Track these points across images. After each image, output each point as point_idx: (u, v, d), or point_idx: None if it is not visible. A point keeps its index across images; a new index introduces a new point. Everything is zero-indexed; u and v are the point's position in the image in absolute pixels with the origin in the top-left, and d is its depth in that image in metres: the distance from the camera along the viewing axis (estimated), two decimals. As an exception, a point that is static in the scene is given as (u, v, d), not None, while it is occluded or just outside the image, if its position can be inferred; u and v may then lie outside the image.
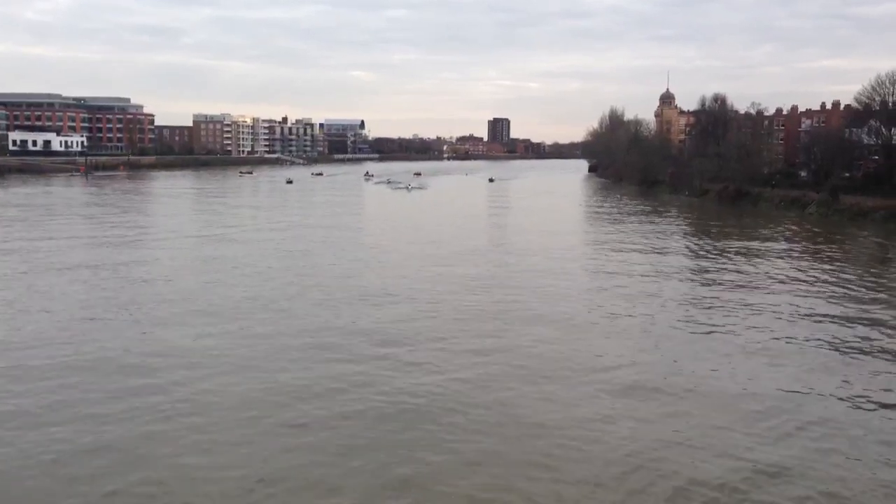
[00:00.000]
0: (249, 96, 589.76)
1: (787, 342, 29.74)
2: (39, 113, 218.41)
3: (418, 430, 20.34)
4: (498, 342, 29.13)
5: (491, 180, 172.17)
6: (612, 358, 27.35)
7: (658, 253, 55.31)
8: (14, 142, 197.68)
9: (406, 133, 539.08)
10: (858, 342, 29.96)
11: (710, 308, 36.02)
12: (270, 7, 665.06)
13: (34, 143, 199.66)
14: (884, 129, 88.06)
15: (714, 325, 32.47)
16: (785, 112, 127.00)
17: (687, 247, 60.01)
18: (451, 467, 18.32)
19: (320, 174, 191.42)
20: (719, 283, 42.81)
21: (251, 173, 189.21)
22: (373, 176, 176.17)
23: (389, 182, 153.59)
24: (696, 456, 18.93)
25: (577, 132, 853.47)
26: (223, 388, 23.41)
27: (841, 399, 23.40)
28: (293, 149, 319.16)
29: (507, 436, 20.17)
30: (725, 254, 55.25)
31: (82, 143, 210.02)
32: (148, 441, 19.44)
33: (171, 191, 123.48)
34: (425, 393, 23.17)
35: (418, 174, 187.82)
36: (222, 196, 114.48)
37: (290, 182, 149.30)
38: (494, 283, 41.68)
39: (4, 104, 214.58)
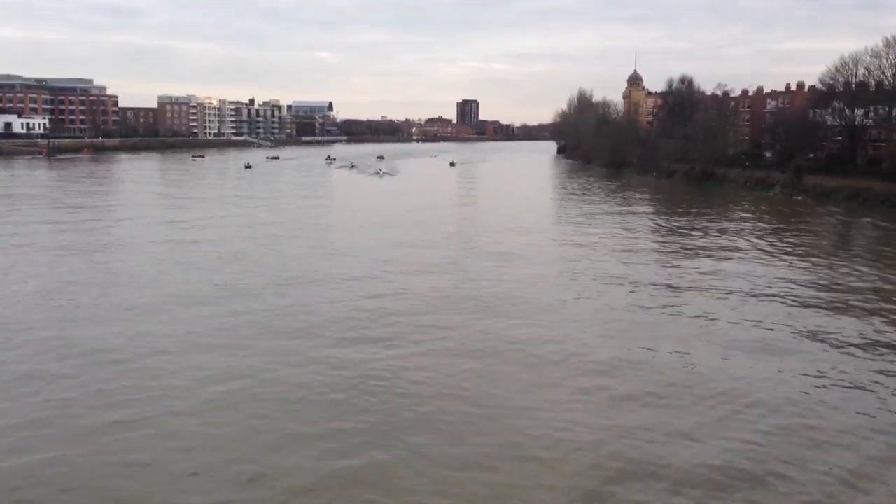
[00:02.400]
0: (215, 78, 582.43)
1: (747, 322, 30.16)
2: (0, 95, 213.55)
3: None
4: (465, 329, 29.24)
5: (452, 164, 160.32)
6: (576, 342, 27.60)
7: (624, 235, 55.70)
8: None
9: (374, 115, 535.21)
10: (821, 322, 30.50)
11: (674, 289, 36.40)
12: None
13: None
14: (847, 111, 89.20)
15: (677, 307, 32.83)
16: (751, 93, 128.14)
17: (653, 228, 60.53)
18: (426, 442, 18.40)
19: (276, 158, 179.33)
20: (683, 265, 43.28)
21: (203, 157, 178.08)
22: (335, 160, 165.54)
23: (353, 166, 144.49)
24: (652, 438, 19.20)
25: (546, 114, 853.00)
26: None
27: (800, 377, 23.85)
28: (261, 131, 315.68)
29: (474, 415, 20.31)
30: (690, 234, 55.82)
31: (44, 125, 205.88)
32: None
33: (127, 175, 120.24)
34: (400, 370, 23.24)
35: (381, 157, 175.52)
36: (169, 184, 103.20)
37: (248, 167, 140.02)
38: (461, 267, 41.78)
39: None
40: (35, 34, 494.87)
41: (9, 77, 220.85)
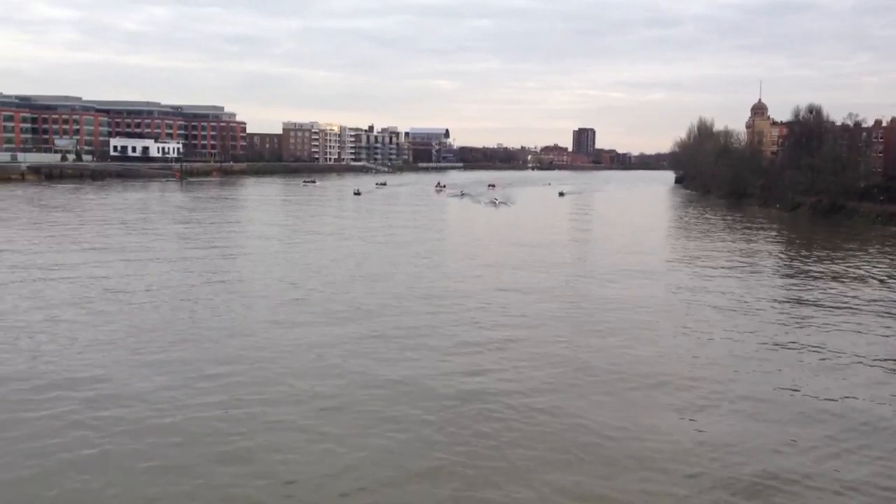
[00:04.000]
0: (336, 105, 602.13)
1: (872, 363, 28.44)
2: (139, 120, 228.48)
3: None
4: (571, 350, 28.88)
5: (561, 194, 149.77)
6: (695, 373, 26.77)
7: (744, 270, 53.69)
8: (115, 147, 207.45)
9: (490, 143, 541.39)
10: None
11: (796, 327, 34.77)
12: (356, 17, 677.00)
13: (133, 149, 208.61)
14: None
15: (797, 345, 31.33)
16: (885, 124, 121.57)
17: (775, 264, 58.06)
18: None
19: (384, 184, 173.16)
20: (806, 302, 41.27)
21: (314, 182, 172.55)
22: (445, 187, 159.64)
23: (464, 195, 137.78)
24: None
25: (663, 143, 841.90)
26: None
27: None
28: (378, 157, 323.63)
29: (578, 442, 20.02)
30: (814, 273, 53.21)
31: (178, 149, 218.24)
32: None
33: (246, 200, 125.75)
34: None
35: (492, 186, 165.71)
36: (280, 211, 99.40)
37: (357, 193, 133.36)
38: (575, 296, 41.37)
39: (107, 111, 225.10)
40: (172, 63, 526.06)
41: (147, 104, 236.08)
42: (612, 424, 21.56)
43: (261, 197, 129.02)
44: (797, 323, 35.43)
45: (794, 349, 30.42)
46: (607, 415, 22.36)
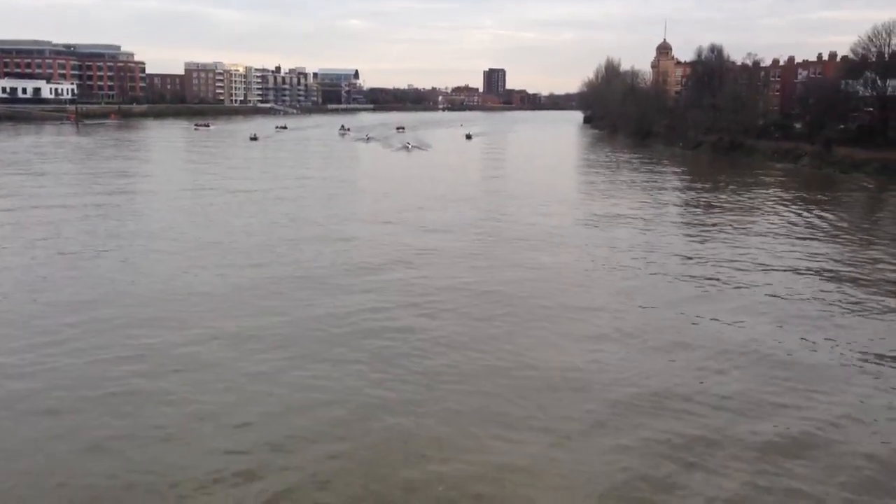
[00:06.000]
0: (242, 45, 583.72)
1: (766, 293, 29.92)
2: (29, 60, 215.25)
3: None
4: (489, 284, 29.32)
5: (468, 137, 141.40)
6: (593, 304, 27.61)
7: (648, 205, 55.28)
8: (3, 89, 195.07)
9: (401, 83, 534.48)
10: (846, 294, 30.16)
11: (694, 259, 36.17)
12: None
13: (24, 90, 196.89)
14: (879, 81, 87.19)
15: (697, 277, 32.62)
16: (781, 63, 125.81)
17: (677, 199, 60.00)
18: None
19: (284, 128, 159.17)
20: (706, 236, 42.91)
21: (207, 126, 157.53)
22: (349, 130, 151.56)
23: (369, 139, 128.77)
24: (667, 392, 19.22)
25: (573, 83, 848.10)
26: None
27: (816, 349, 23.67)
28: (287, 98, 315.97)
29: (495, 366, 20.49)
30: (714, 205, 55.27)
31: (73, 90, 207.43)
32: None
33: (132, 145, 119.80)
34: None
35: (401, 128, 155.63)
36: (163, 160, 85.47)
37: (254, 139, 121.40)
38: (491, 235, 41.81)
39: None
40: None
41: (37, 43, 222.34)
42: (519, 352, 22.45)
43: (145, 142, 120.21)
44: (691, 256, 36.83)
45: (685, 280, 31.74)
46: (515, 344, 23.22)
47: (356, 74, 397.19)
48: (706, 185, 68.29)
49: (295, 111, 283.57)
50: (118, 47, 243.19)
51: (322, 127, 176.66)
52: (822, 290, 29.98)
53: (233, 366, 20.94)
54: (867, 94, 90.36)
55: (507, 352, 22.44)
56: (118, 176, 67.16)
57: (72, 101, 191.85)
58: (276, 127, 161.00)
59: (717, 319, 25.95)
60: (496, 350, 22.57)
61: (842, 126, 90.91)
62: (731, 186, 66.88)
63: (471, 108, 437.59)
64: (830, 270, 33.48)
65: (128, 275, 30.45)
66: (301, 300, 27.30)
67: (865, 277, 32.33)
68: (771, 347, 23.25)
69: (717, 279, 31.60)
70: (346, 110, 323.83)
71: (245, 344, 22.62)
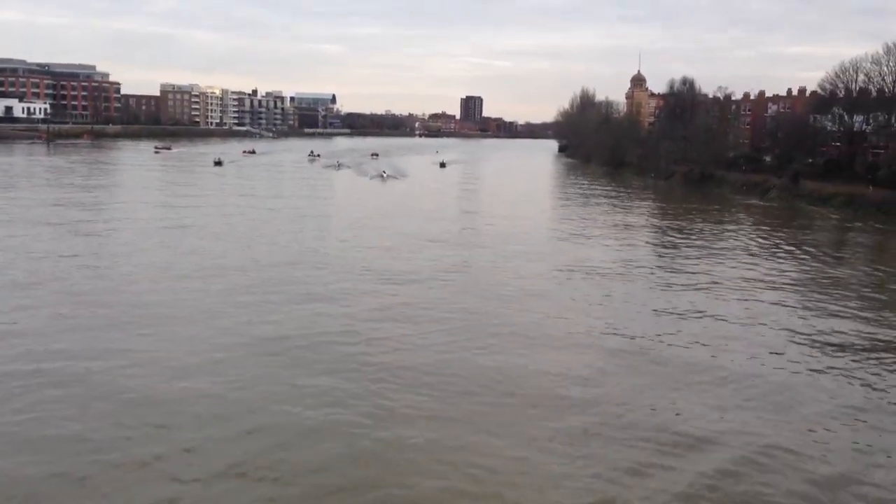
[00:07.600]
0: (218, 67, 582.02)
1: (738, 322, 30.27)
2: (2, 79, 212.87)
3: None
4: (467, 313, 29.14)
5: (442, 165, 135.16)
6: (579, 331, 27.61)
7: (620, 237, 55.58)
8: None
9: (378, 108, 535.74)
10: (810, 325, 30.38)
11: (669, 288, 36.35)
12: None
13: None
14: (846, 117, 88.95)
15: (672, 306, 32.78)
16: (752, 97, 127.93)
17: (650, 228, 60.40)
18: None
19: (252, 152, 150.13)
20: (677, 267, 43.16)
21: (169, 148, 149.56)
22: (319, 157, 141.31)
23: (340, 166, 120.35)
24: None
25: (549, 112, 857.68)
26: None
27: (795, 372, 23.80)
28: (263, 122, 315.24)
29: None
30: (685, 235, 55.72)
31: (45, 109, 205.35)
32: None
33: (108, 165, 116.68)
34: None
35: (375, 155, 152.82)
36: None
37: (218, 163, 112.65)
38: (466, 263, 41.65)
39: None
40: (35, 18, 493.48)
41: (11, 61, 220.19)
42: (499, 366, 24.06)
43: (105, 164, 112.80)
44: (657, 284, 37.19)
45: (652, 306, 32.15)
46: (495, 357, 24.89)
47: (333, 99, 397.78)
48: (678, 222, 68.66)
49: (271, 135, 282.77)
50: (93, 67, 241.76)
51: (292, 151, 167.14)
52: (790, 321, 30.24)
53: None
54: (835, 130, 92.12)
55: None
56: (51, 204, 59.39)
57: (44, 121, 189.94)
58: (244, 151, 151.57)
59: (686, 347, 26.60)
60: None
61: (810, 160, 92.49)
62: (699, 219, 67.50)
63: (447, 135, 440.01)
64: (798, 301, 33.85)
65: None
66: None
67: (825, 306, 32.67)
68: (740, 370, 24.20)
69: (687, 310, 31.81)
70: (322, 134, 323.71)
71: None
